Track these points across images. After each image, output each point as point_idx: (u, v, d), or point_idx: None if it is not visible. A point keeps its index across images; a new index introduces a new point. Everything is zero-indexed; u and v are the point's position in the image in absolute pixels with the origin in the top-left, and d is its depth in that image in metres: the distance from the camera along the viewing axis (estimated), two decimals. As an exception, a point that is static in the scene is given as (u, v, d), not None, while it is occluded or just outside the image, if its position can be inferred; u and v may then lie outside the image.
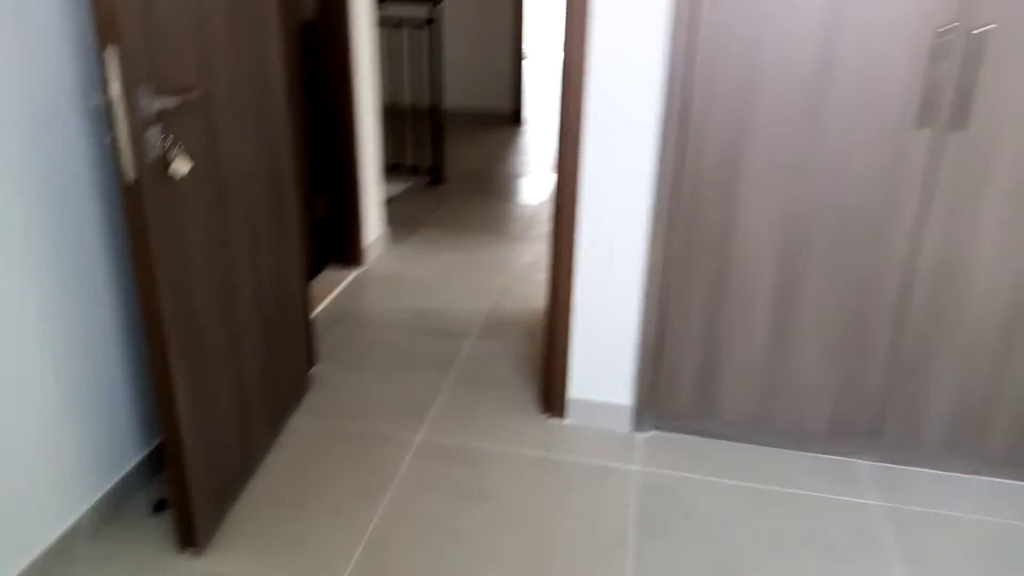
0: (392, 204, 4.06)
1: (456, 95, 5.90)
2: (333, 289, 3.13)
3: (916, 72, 1.81)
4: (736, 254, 2.05)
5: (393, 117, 5.10)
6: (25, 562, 1.63)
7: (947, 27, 1.75)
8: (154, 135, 1.46)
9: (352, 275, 3.27)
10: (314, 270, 3.26)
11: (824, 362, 2.11)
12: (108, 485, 1.85)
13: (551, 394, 2.34)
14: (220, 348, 1.80)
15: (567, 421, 2.34)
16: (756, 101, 1.90)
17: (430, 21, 4.22)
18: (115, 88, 1.37)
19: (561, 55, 1.97)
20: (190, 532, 1.75)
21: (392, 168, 4.42)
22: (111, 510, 1.86)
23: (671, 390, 2.25)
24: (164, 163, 1.49)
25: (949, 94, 1.81)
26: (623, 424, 2.30)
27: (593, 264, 2.17)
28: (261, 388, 2.05)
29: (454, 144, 5.24)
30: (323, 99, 3.06)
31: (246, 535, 1.85)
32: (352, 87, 3.04)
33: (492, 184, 4.61)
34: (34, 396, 1.61)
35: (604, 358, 2.26)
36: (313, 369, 2.54)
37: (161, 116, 1.47)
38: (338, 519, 1.91)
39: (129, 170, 1.43)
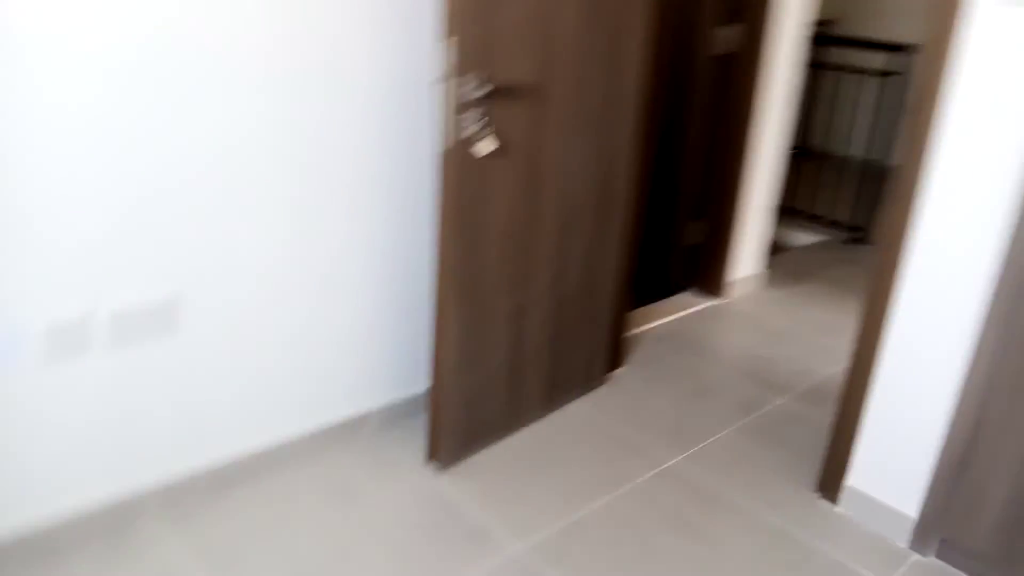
0: (791, 252, 3.91)
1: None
2: (679, 311, 3.20)
3: None
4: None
5: (825, 166, 4.85)
6: (322, 422, 2.13)
7: None
8: (470, 116, 1.78)
9: (706, 304, 3.29)
10: (670, 290, 3.37)
11: None
12: (396, 397, 2.27)
13: (827, 474, 2.09)
14: (503, 313, 2.08)
15: (836, 508, 2.07)
16: None
17: (889, 73, 3.92)
18: (444, 73, 1.72)
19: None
20: (436, 448, 2.07)
21: (809, 218, 4.24)
22: (390, 418, 2.27)
23: (968, 517, 1.82)
24: (472, 141, 1.80)
25: None
26: (899, 535, 1.94)
27: (904, 343, 1.88)
28: (540, 363, 2.28)
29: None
30: (720, 130, 3.13)
31: (483, 472, 2.10)
32: (750, 123, 3.05)
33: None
34: (360, 306, 2.10)
35: (895, 452, 1.94)
36: (615, 371, 2.68)
37: (481, 101, 1.78)
38: (558, 493, 2.04)
39: (443, 142, 1.78)
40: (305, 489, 1.98)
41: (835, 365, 2.84)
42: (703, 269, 3.35)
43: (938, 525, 1.88)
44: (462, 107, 1.76)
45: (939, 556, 1.90)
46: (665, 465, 2.22)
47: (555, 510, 2.00)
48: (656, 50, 2.31)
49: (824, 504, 2.09)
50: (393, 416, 2.27)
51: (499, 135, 1.85)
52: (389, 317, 2.17)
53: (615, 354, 2.64)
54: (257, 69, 1.70)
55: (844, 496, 2.05)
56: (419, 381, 2.32)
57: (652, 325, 3.07)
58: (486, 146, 1.80)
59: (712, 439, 2.36)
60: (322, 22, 1.76)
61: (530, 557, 1.83)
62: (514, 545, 1.87)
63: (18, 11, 1.38)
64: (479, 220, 1.91)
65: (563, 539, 1.90)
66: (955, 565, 1.88)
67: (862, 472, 2.01)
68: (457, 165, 1.80)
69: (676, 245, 3.39)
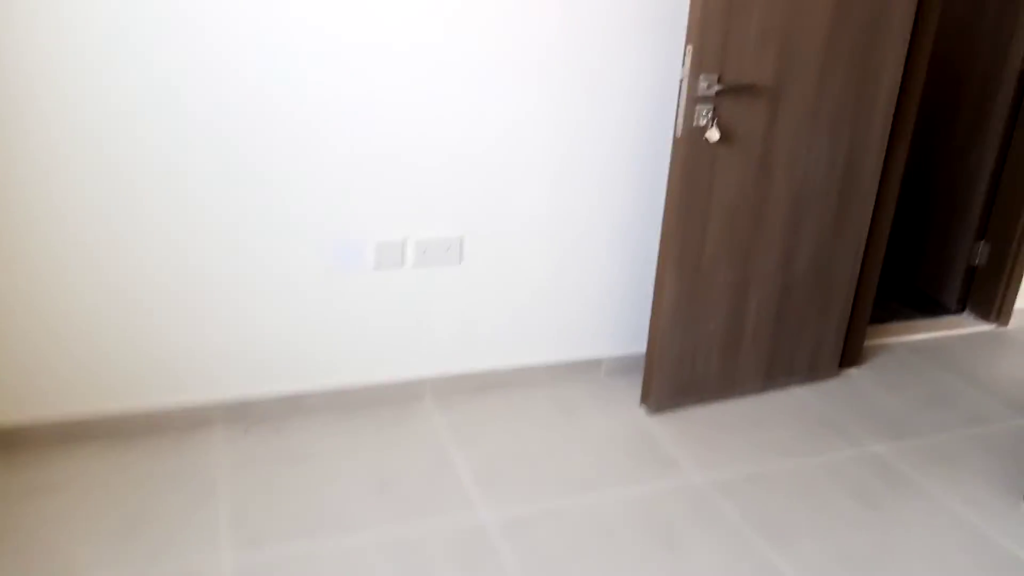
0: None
1: None
2: (946, 329, 3.12)
3: None
4: None
5: None
6: (564, 358, 2.60)
7: None
8: (701, 109, 2.12)
9: (980, 328, 3.14)
10: (943, 309, 3.27)
11: None
12: (628, 351, 2.66)
13: (1041, 485, 2.03)
14: (722, 284, 2.37)
15: (1045, 521, 2.01)
16: None
17: None
18: (683, 73, 2.09)
19: None
20: (647, 393, 2.43)
21: None
22: (620, 367, 2.66)
23: None
24: (702, 130, 2.14)
25: None
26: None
27: None
28: (760, 339, 2.51)
29: None
30: (1013, 150, 3.00)
31: (688, 421, 2.41)
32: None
33: None
34: (603, 265, 2.53)
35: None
36: (849, 369, 2.76)
37: (712, 98, 2.12)
38: (751, 448, 2.28)
39: (677, 130, 2.15)
40: (542, 403, 2.48)
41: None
42: (981, 292, 3.20)
43: None
44: (694, 101, 2.11)
45: None
46: (868, 448, 2.32)
47: (743, 459, 2.24)
48: (933, 62, 2.41)
49: (1032, 516, 2.04)
50: (622, 366, 2.67)
51: (728, 127, 2.17)
52: (626, 279, 2.59)
53: (850, 351, 2.74)
54: (540, 63, 2.23)
55: (1054, 511, 1.99)
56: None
57: (912, 338, 3.05)
58: (713, 134, 2.13)
59: (929, 438, 2.38)
60: (593, 29, 2.24)
61: (708, 487, 2.12)
62: (696, 476, 2.17)
63: (358, 28, 2.07)
64: (702, 198, 2.24)
65: (743, 482, 2.15)
66: None
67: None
68: (685, 150, 2.16)
69: (953, 264, 3.28)
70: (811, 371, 2.67)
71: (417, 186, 2.25)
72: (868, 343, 2.93)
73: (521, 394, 2.53)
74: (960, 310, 3.28)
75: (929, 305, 3.33)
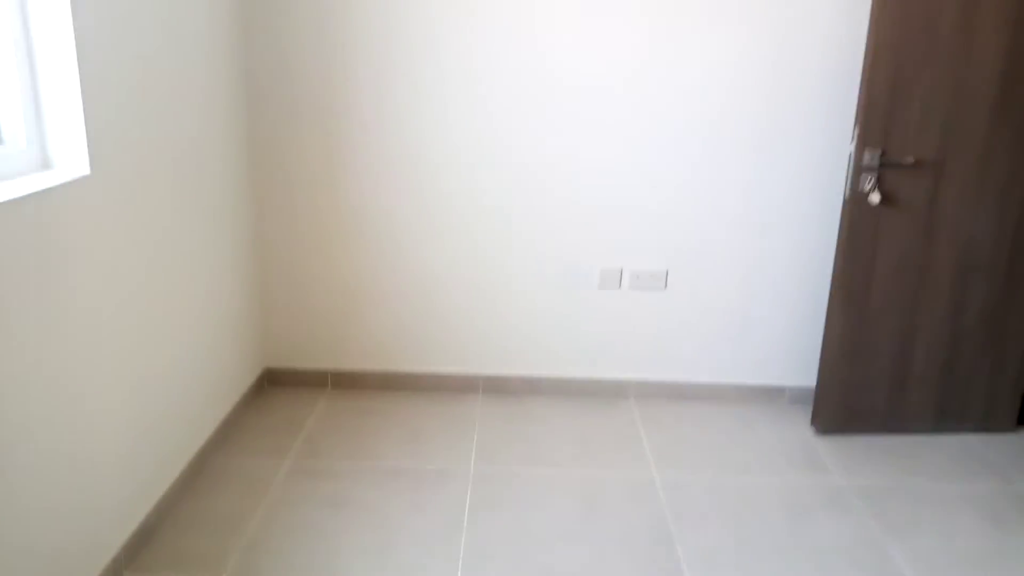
0: None
1: None
2: None
3: None
4: None
5: None
6: (751, 382, 3.12)
7: None
8: (865, 178, 2.61)
9: None
10: None
11: None
12: (810, 382, 3.08)
13: None
14: (889, 328, 2.76)
15: None
16: None
17: None
18: (851, 148, 2.61)
19: None
20: (816, 415, 2.87)
21: None
22: (800, 396, 3.06)
23: None
24: (866, 194, 2.62)
25: None
26: None
27: None
28: (928, 383, 2.82)
29: None
30: None
31: (849, 443, 2.81)
32: None
33: None
34: (783, 301, 3.03)
35: None
36: (1034, 427, 2.91)
37: (875, 168, 2.59)
38: (897, 469, 2.62)
39: (845, 192, 2.65)
40: (724, 415, 3.03)
41: None
42: None
43: None
44: (860, 170, 2.61)
45: None
46: (1017, 486, 2.53)
47: (889, 475, 2.60)
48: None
49: None
50: (805, 396, 3.11)
51: (889, 193, 2.63)
52: (810, 318, 3.05)
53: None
54: (745, 138, 2.88)
55: None
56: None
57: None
58: (874, 198, 2.60)
59: (1094, 493, 2.51)
60: (782, 112, 2.84)
61: (848, 488, 2.52)
62: (841, 479, 2.58)
63: (598, 112, 2.88)
64: (869, 250, 2.69)
65: (881, 490, 2.52)
66: None
67: None
68: (853, 210, 2.65)
69: None
70: (985, 421, 2.88)
71: (633, 231, 2.99)
72: (1068, 412, 3.02)
73: (708, 406, 3.10)
74: None
75: None
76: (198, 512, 2.35)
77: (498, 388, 3.17)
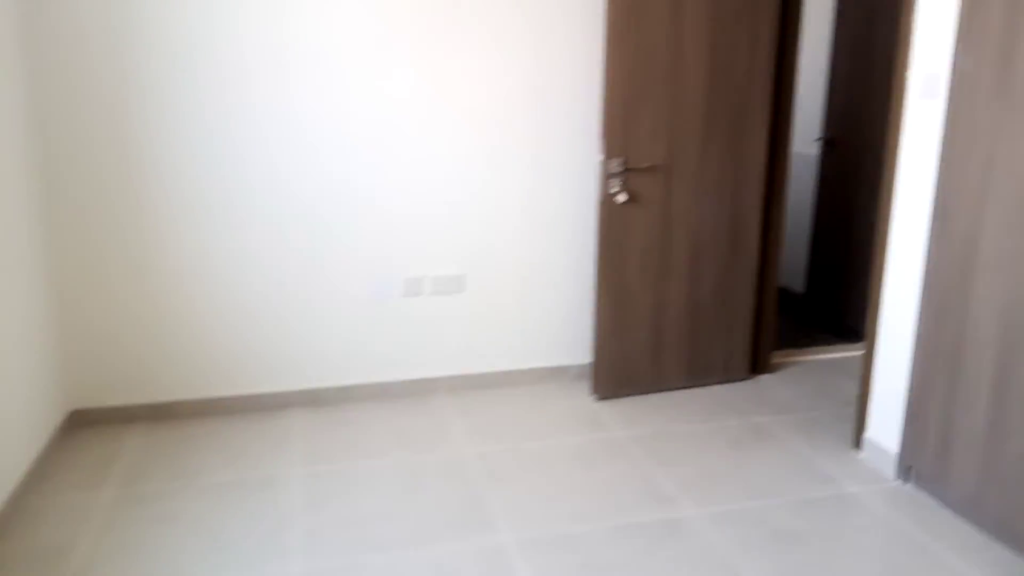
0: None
1: None
2: (852, 351, 3.94)
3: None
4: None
5: None
6: (540, 365, 3.58)
7: None
8: (613, 182, 3.17)
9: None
10: (858, 338, 4.09)
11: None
12: (586, 359, 3.60)
13: (857, 431, 2.87)
14: (645, 304, 3.34)
15: (860, 455, 2.83)
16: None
17: None
18: (599, 158, 3.16)
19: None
20: (595, 386, 3.38)
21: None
22: (581, 372, 3.59)
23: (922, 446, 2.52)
24: (614, 196, 3.18)
25: None
26: (889, 468, 2.66)
27: (887, 325, 2.69)
28: (679, 347, 3.43)
29: None
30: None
31: (624, 404, 3.34)
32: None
33: None
34: (559, 295, 3.54)
35: (881, 406, 2.70)
36: (761, 376, 3.63)
37: (621, 174, 3.16)
38: (663, 417, 3.18)
39: (598, 195, 3.19)
40: (522, 396, 3.46)
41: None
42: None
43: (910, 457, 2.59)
44: (608, 176, 3.17)
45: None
46: (752, 419, 3.19)
47: (655, 425, 3.16)
48: (779, 139, 3.41)
49: (853, 453, 2.87)
50: (583, 371, 3.63)
51: (633, 193, 3.21)
52: (578, 304, 3.58)
53: (760, 363, 3.62)
54: (520, 155, 3.34)
55: (865, 445, 2.83)
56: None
57: (823, 357, 3.90)
58: (620, 198, 3.17)
59: (802, 414, 3.22)
60: (545, 134, 3.35)
61: (625, 439, 3.03)
62: (619, 432, 3.08)
63: (401, 140, 3.23)
64: (622, 242, 3.25)
65: (650, 436, 3.05)
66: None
67: (874, 426, 2.78)
68: (606, 209, 3.19)
69: (865, 300, 4.12)
70: (726, 373, 3.55)
71: (431, 242, 3.34)
72: (785, 360, 3.80)
73: (508, 390, 3.51)
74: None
75: (851, 335, 4.15)
76: (20, 551, 2.35)
77: (314, 400, 3.36)
